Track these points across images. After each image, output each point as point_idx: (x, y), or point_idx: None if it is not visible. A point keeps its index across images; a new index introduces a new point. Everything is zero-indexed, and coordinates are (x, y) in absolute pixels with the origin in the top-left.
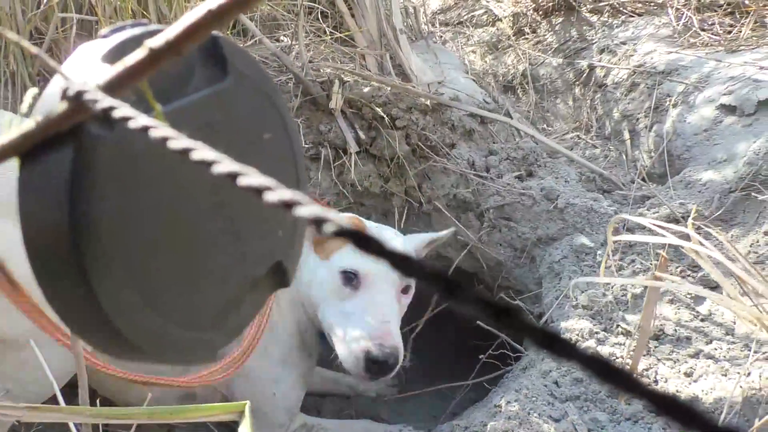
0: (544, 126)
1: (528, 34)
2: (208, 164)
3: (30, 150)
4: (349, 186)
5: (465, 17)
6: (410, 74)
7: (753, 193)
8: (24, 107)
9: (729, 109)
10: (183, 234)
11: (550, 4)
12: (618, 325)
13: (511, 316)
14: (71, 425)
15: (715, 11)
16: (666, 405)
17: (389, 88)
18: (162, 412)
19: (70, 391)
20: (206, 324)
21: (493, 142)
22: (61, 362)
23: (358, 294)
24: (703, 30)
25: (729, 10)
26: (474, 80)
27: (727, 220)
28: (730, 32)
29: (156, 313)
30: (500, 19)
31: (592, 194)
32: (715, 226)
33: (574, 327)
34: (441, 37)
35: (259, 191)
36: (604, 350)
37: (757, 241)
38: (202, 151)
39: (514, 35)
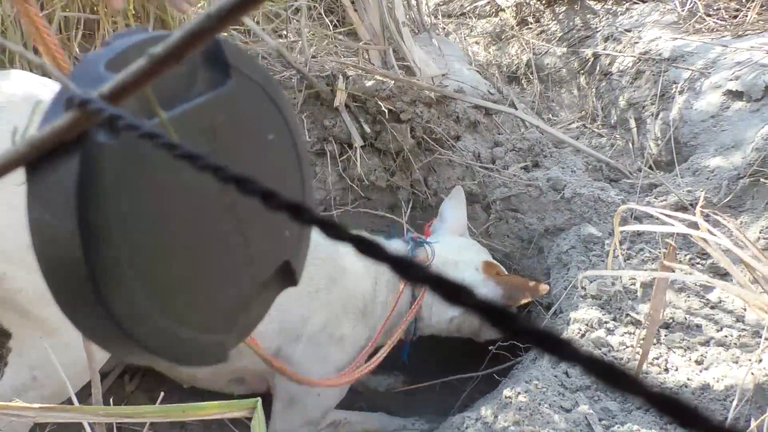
0: (550, 116)
1: (531, 23)
2: (214, 171)
3: (37, 160)
4: (357, 180)
5: (468, 8)
6: (414, 67)
7: (761, 179)
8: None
9: (736, 95)
10: (193, 237)
11: None
12: (627, 315)
13: (510, 319)
14: (85, 425)
15: None
16: (668, 405)
17: (393, 82)
18: (175, 410)
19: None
20: (217, 326)
21: (499, 134)
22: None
23: None
24: (709, 15)
25: None
26: (478, 71)
27: (736, 206)
28: (735, 17)
29: (168, 317)
30: (503, 9)
31: (599, 183)
32: (724, 213)
33: (583, 317)
34: (444, 28)
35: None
36: (614, 340)
37: (767, 227)
38: (206, 159)
39: (517, 25)
